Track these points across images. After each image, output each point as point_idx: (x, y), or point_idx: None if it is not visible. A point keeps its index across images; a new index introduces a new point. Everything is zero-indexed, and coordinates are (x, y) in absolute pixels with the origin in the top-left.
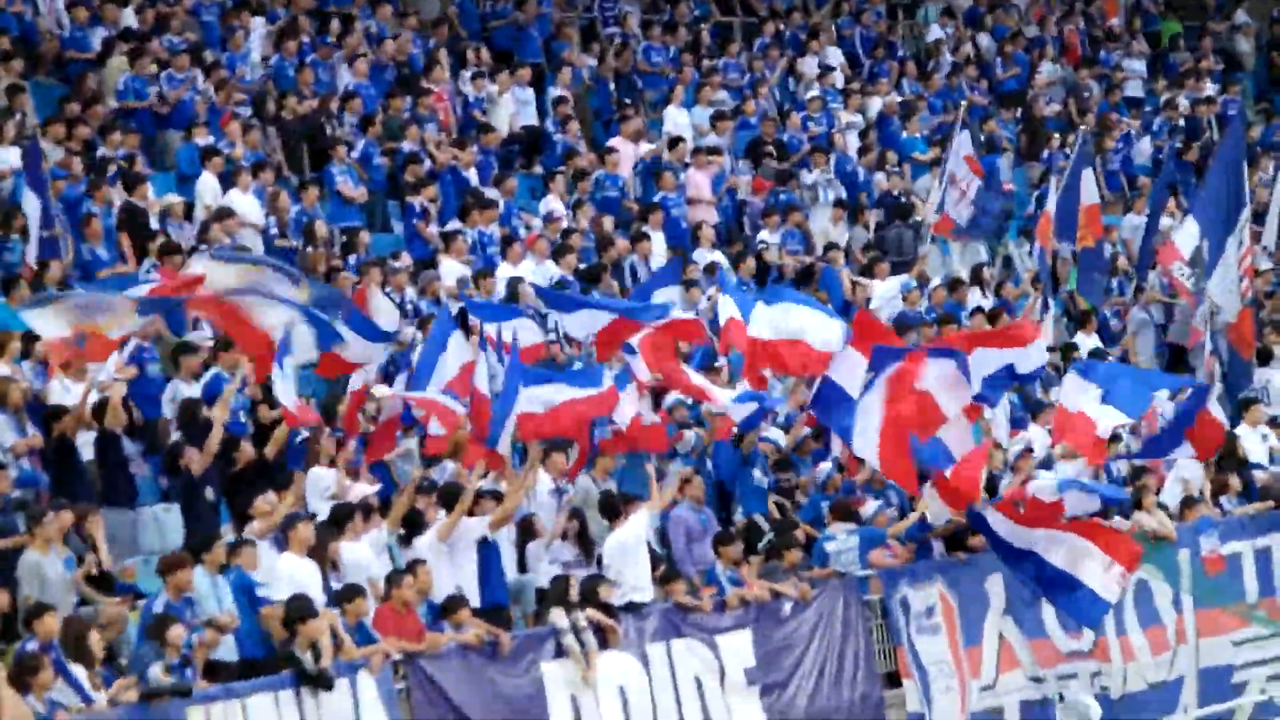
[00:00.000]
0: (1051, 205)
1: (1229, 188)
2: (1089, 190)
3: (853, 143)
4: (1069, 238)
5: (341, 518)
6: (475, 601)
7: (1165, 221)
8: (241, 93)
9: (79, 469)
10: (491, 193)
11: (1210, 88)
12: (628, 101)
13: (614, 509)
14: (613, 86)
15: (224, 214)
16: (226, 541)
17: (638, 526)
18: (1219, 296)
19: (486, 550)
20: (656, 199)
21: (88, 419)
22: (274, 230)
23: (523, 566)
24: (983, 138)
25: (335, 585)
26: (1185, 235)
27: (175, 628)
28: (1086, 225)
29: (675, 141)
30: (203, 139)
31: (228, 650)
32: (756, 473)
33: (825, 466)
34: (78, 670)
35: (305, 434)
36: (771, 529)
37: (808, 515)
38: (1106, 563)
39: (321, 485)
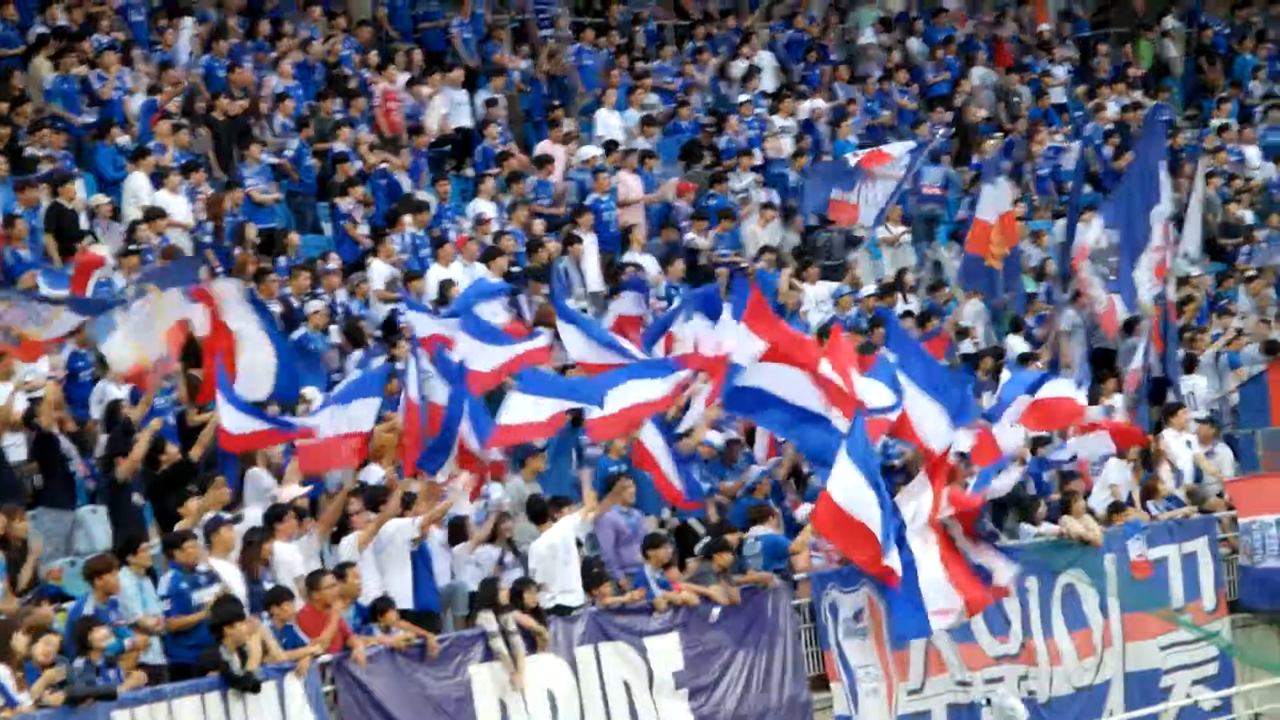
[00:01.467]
0: (987, 214)
1: (1144, 188)
2: (990, 204)
3: (786, 146)
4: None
5: (273, 518)
6: (408, 604)
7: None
8: (175, 93)
9: (4, 470)
10: (424, 195)
11: (1137, 94)
12: (558, 105)
13: (541, 512)
14: (544, 89)
15: (154, 214)
16: (163, 539)
17: (565, 529)
18: (1142, 295)
19: (416, 554)
20: (588, 201)
21: (15, 419)
22: (208, 233)
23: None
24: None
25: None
26: (1091, 233)
27: (99, 630)
28: (988, 239)
29: (610, 145)
30: (120, 140)
31: (155, 654)
32: (694, 475)
33: (755, 470)
34: (2, 671)
35: None
36: (708, 531)
37: (737, 520)
38: (949, 596)
39: (262, 486)
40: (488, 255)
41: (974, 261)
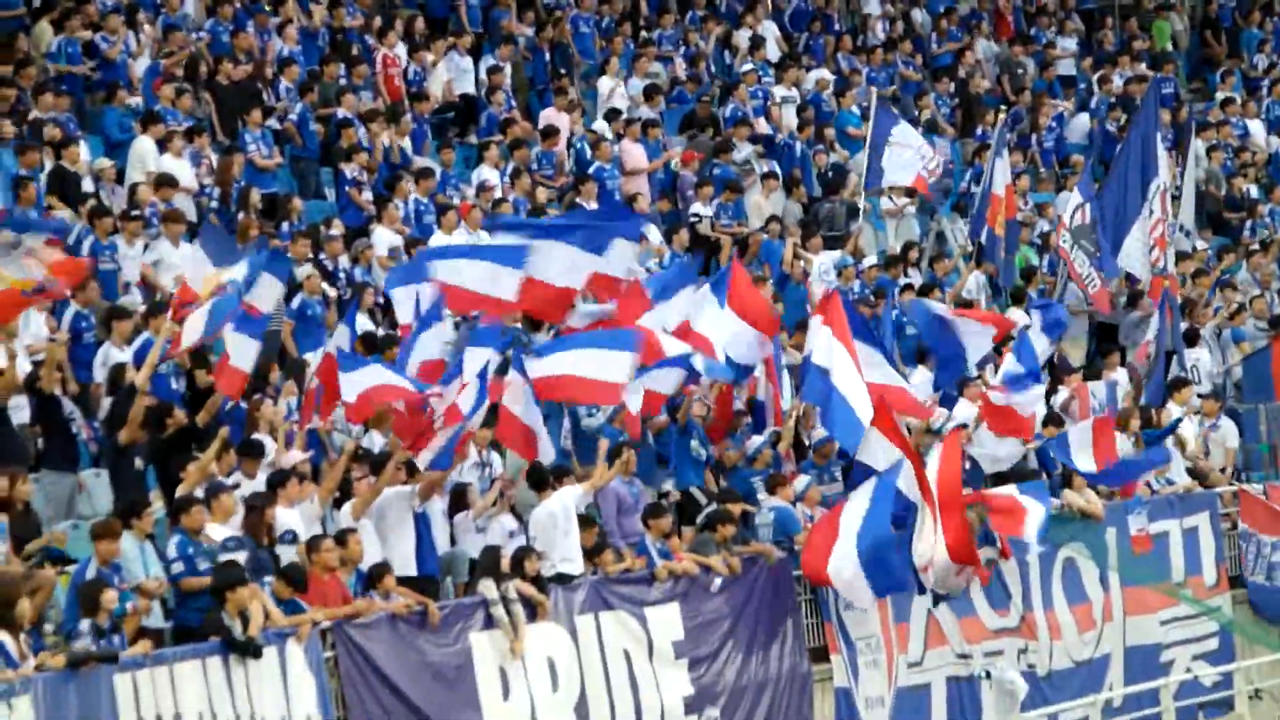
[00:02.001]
0: (999, 187)
1: (1140, 159)
2: (1001, 176)
3: (788, 116)
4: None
5: (276, 483)
6: (411, 571)
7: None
8: (180, 58)
9: (8, 432)
10: (428, 161)
11: (1142, 67)
12: (563, 72)
13: (542, 480)
14: (547, 57)
15: (165, 181)
16: (171, 504)
17: (566, 498)
18: (1136, 267)
19: (417, 521)
20: (590, 170)
21: (17, 383)
22: (213, 196)
23: (453, 539)
24: (917, 114)
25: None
26: (1071, 202)
27: (108, 592)
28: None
29: (613, 114)
30: (130, 102)
31: (155, 617)
32: (694, 444)
33: (756, 440)
34: (4, 636)
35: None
36: (710, 500)
37: (739, 489)
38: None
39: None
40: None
41: (992, 235)
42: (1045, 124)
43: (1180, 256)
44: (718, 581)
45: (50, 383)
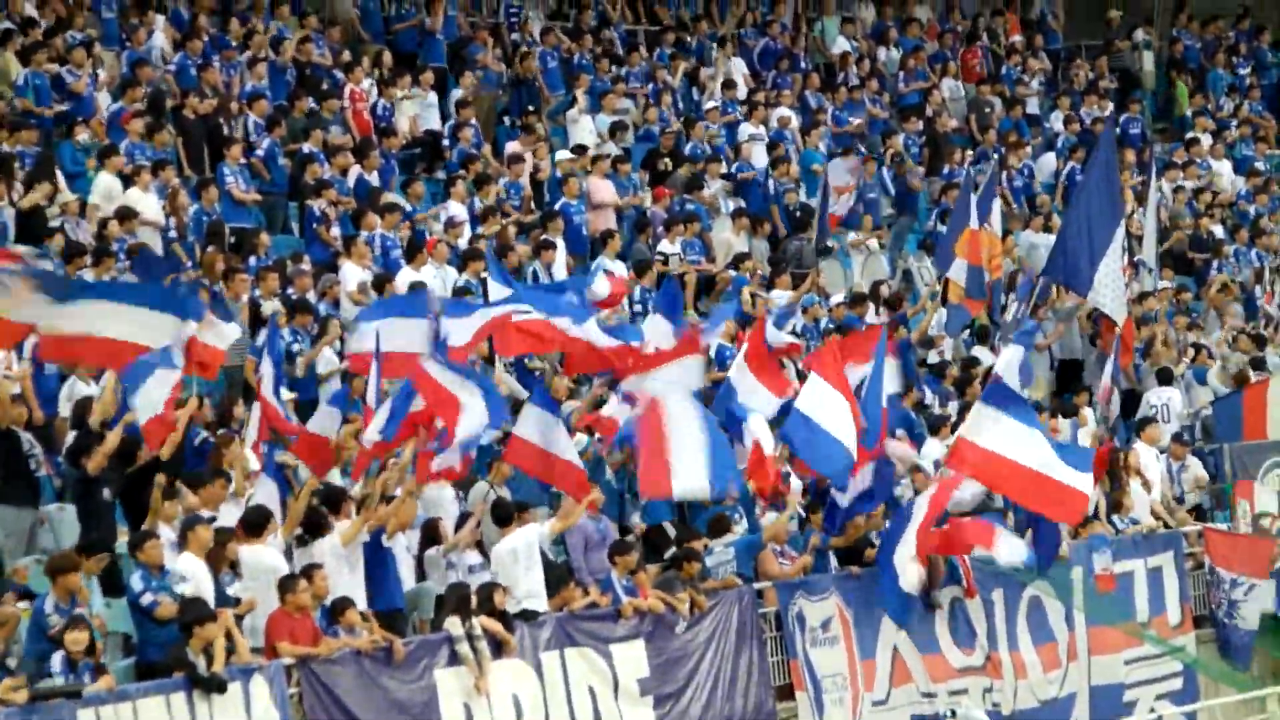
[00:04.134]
0: (974, 222)
1: (1105, 198)
2: (976, 214)
3: (757, 154)
4: (944, 264)
5: (259, 521)
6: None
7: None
8: (137, 94)
9: None
10: (394, 197)
11: (1107, 106)
12: (530, 109)
13: (506, 515)
14: (519, 93)
15: (125, 214)
16: (129, 539)
17: (530, 535)
18: (1108, 305)
19: (381, 554)
20: (557, 206)
21: None
22: (172, 230)
23: (422, 574)
24: (883, 153)
25: (233, 590)
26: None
27: (76, 632)
28: (973, 247)
29: (579, 149)
30: (85, 137)
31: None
32: None
33: None
34: None
35: (205, 434)
36: (679, 534)
37: (702, 525)
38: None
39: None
40: (465, 257)
41: (975, 271)
42: (1019, 165)
43: (1142, 296)
44: (681, 624)
45: (5, 418)
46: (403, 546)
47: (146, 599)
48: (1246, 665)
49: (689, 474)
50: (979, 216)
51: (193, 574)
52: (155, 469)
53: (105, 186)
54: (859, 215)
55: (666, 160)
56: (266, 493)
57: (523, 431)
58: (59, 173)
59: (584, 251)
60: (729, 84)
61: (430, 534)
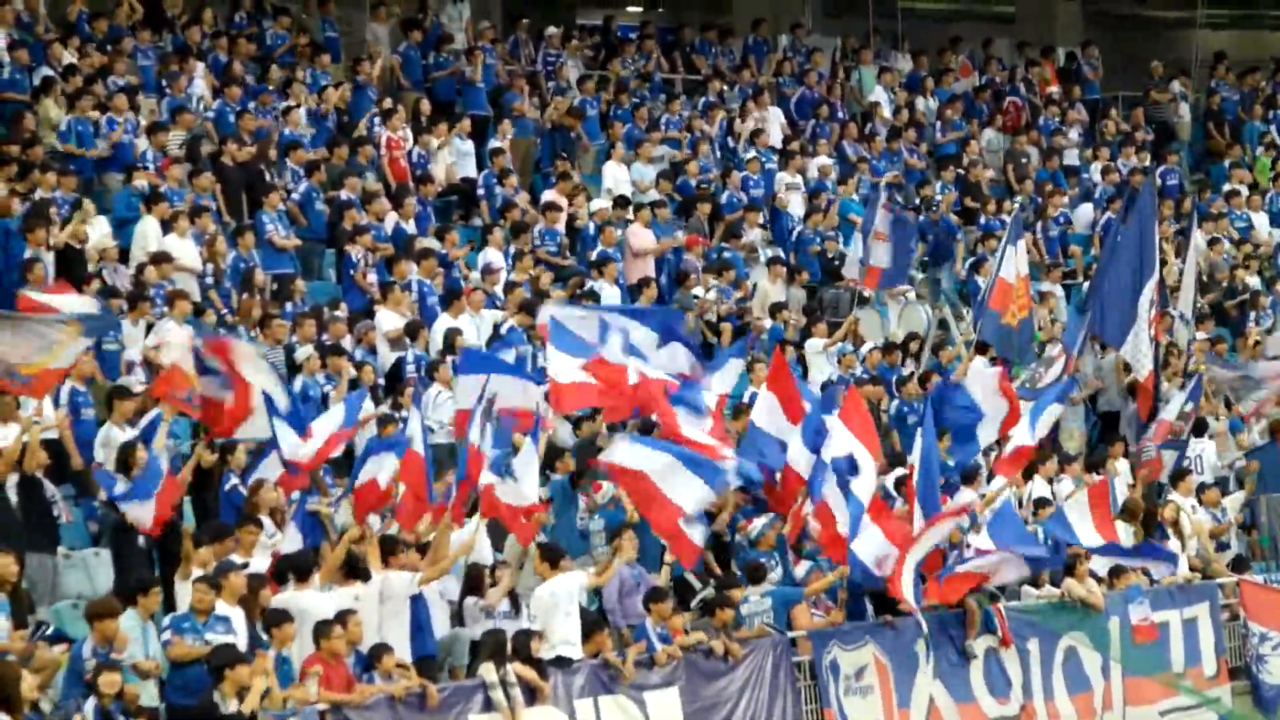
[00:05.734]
0: (1008, 273)
1: (1139, 250)
2: (1013, 265)
3: (794, 203)
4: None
5: (307, 567)
6: (405, 654)
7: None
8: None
9: (8, 513)
10: (432, 243)
11: (1145, 157)
12: (564, 155)
13: (556, 557)
14: (551, 140)
15: (160, 258)
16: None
17: (571, 582)
18: (1131, 356)
19: (416, 602)
20: (594, 254)
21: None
22: (209, 276)
23: (459, 619)
24: (919, 202)
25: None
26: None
27: (110, 674)
28: (1011, 299)
29: (620, 200)
30: (142, 184)
31: (149, 697)
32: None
33: (759, 522)
34: (4, 717)
35: (235, 481)
36: (704, 585)
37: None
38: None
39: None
40: (521, 308)
41: (992, 317)
42: (1054, 214)
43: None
44: (720, 667)
45: (32, 464)
46: (436, 593)
47: (164, 637)
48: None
49: (692, 496)
50: (1000, 264)
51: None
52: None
53: (145, 231)
54: (904, 269)
55: (703, 207)
56: (292, 541)
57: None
58: (107, 218)
59: (625, 299)
60: (761, 132)
61: (473, 583)
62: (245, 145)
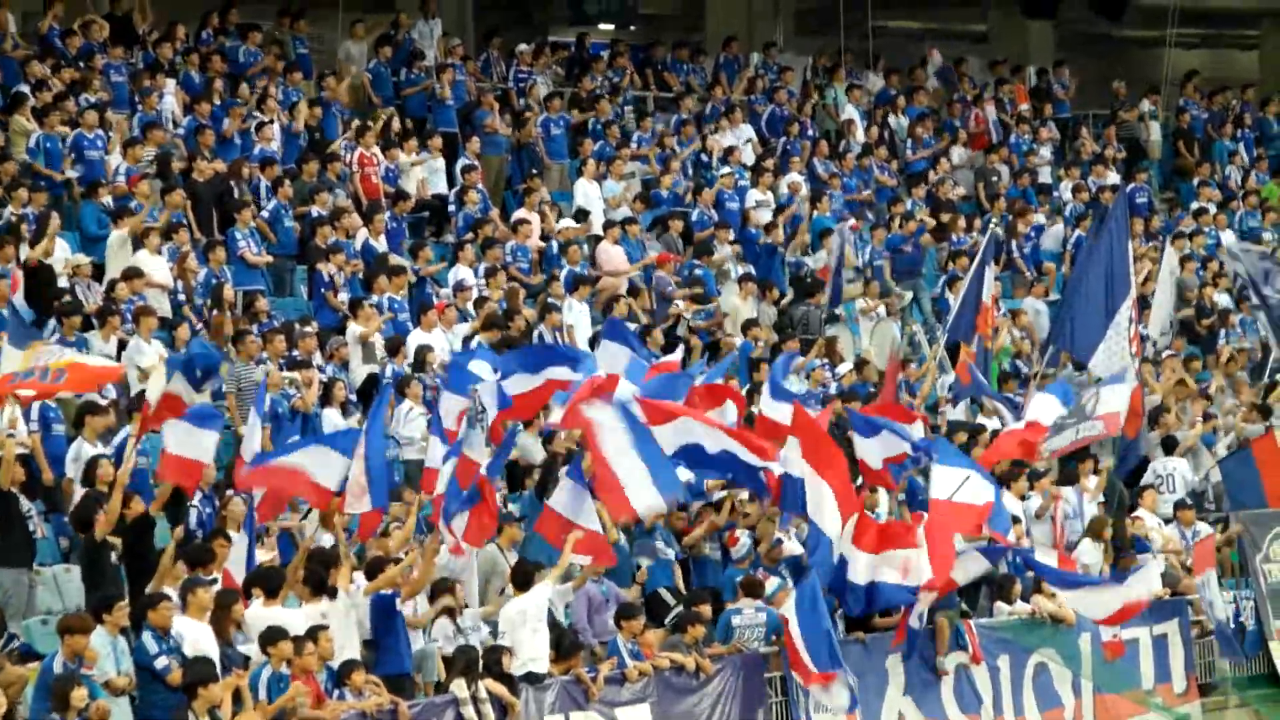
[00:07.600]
0: (986, 296)
1: (1112, 267)
2: (990, 286)
3: (764, 219)
4: (965, 336)
5: (278, 583)
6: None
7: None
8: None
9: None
10: (402, 260)
11: (1114, 175)
12: (534, 172)
13: (527, 579)
14: (520, 158)
15: (131, 274)
16: (139, 601)
17: (540, 596)
18: (1102, 371)
19: (392, 620)
20: (560, 273)
21: None
22: (180, 293)
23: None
24: (889, 219)
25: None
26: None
27: (78, 690)
28: (991, 322)
29: (580, 215)
30: (105, 199)
31: (120, 713)
32: (659, 544)
33: (743, 540)
34: None
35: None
36: (678, 602)
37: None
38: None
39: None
40: (486, 325)
41: (982, 349)
42: (1025, 231)
43: (1151, 363)
44: (691, 681)
45: (6, 479)
46: (410, 609)
47: (161, 663)
48: None
49: (642, 493)
50: (983, 287)
51: (193, 637)
52: (146, 524)
53: (117, 247)
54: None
55: (675, 223)
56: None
57: (555, 503)
58: (77, 232)
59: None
60: (732, 150)
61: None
62: (208, 161)
